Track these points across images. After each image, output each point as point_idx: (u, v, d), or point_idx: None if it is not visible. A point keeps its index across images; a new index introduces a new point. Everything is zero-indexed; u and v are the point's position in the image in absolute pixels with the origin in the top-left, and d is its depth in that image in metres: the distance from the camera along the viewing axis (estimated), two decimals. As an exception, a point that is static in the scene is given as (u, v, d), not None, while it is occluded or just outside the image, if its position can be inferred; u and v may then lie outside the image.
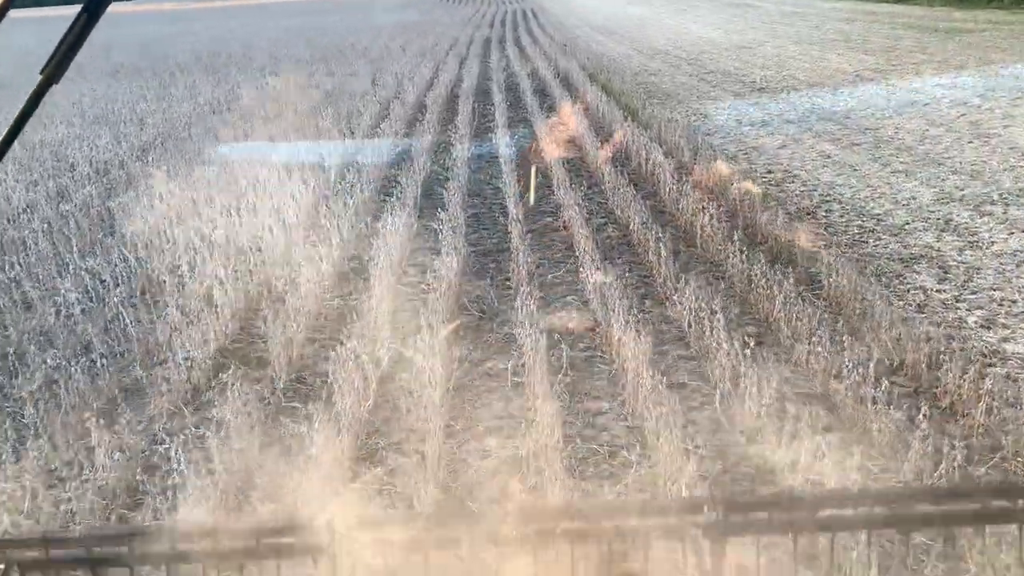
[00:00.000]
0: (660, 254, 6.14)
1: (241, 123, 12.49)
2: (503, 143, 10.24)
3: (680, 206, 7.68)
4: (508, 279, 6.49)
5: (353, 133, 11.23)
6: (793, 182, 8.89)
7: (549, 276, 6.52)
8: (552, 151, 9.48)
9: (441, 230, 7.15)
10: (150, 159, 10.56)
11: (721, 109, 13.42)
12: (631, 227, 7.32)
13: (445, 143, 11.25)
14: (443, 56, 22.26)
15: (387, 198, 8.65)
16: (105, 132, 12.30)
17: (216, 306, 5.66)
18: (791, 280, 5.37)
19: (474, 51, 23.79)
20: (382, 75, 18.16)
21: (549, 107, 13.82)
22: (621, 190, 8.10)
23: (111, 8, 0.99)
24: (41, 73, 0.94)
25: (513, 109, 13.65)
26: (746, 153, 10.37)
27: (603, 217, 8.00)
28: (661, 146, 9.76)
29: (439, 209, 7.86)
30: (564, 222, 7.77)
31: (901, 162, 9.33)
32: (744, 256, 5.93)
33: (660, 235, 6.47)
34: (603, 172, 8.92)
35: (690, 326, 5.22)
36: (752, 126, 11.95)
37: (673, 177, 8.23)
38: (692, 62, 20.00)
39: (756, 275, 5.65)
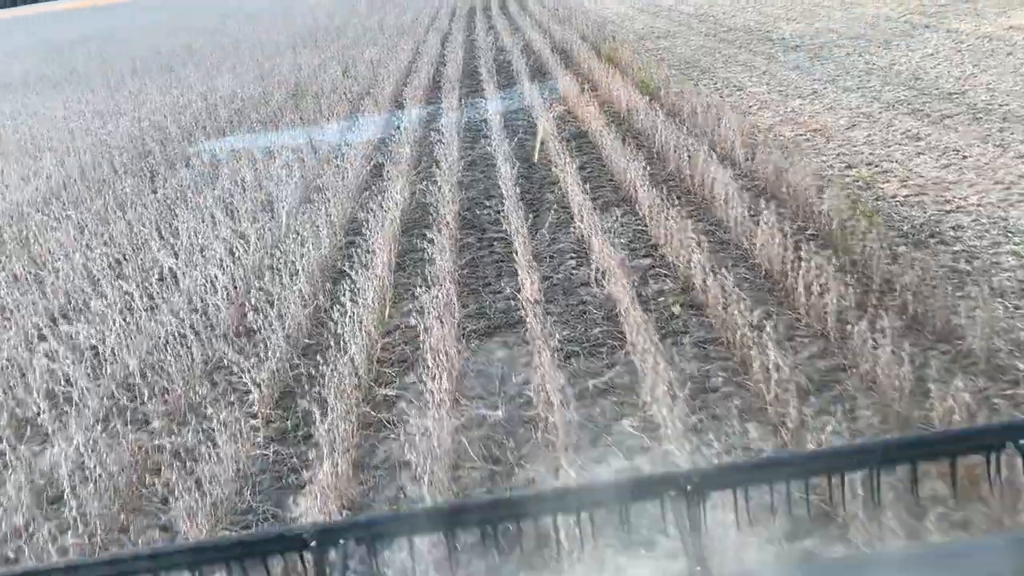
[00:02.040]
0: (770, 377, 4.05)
1: (177, 144, 10.35)
2: (500, 158, 8.09)
3: (792, 280, 5.46)
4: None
5: (315, 151, 9.08)
6: (888, 180, 6.75)
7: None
8: (567, 168, 7.32)
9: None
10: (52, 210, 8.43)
11: (757, 77, 11.20)
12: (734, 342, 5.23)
13: (426, 159, 9.11)
14: (423, 34, 19.92)
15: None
16: (10, 170, 10.14)
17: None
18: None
19: (457, 25, 21.43)
20: (355, 62, 15.91)
21: (550, 91, 11.62)
22: (686, 244, 5.89)
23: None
24: None
25: (508, 100, 11.44)
26: (808, 138, 8.21)
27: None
28: (701, 142, 7.60)
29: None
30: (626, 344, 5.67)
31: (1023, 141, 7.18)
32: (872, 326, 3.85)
33: (765, 324, 4.38)
34: (649, 207, 6.76)
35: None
36: (802, 99, 9.75)
37: (739, 198, 6.08)
38: (703, 18, 17.68)
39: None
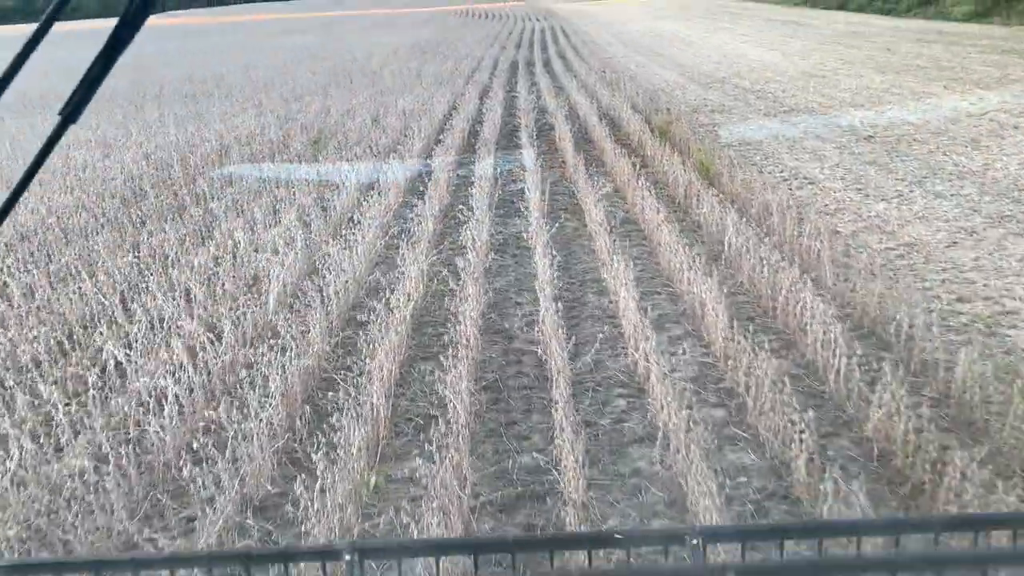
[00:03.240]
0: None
1: (177, 189, 9.24)
2: (538, 244, 6.84)
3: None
4: None
5: (325, 212, 7.88)
6: (1016, 326, 5.43)
7: None
8: (619, 272, 6.03)
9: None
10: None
11: (830, 169, 9.97)
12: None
13: (450, 237, 7.92)
14: (462, 86, 18.95)
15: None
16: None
17: None
18: None
19: (498, 80, 20.49)
20: (387, 111, 14.89)
21: (597, 164, 10.45)
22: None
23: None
24: (60, 114, 0.92)
25: (551, 179, 10.27)
26: (902, 254, 6.92)
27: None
28: (781, 252, 6.33)
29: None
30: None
31: None
32: None
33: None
34: (723, 339, 5.50)
35: None
36: (886, 202, 8.50)
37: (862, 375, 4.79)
38: (760, 95, 16.58)
39: None
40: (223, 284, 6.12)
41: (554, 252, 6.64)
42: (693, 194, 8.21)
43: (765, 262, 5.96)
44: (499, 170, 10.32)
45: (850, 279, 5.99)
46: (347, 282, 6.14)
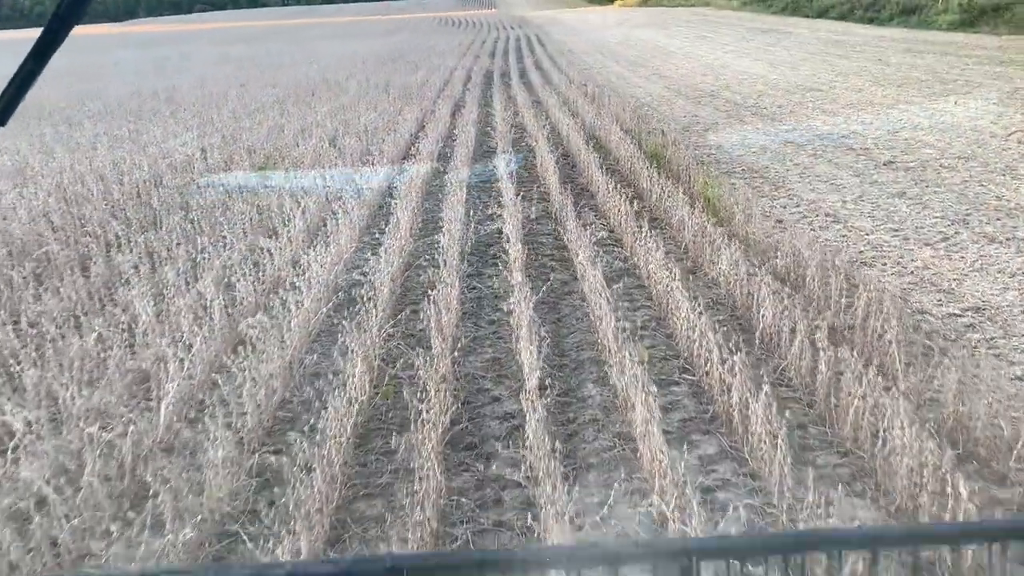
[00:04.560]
0: None
1: (90, 238, 7.71)
2: (522, 325, 5.38)
3: None
4: None
5: (258, 268, 6.38)
6: None
7: None
8: (628, 368, 4.59)
9: None
10: None
11: (853, 203, 8.64)
12: None
13: (409, 308, 6.49)
14: (432, 100, 17.49)
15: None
16: None
17: None
18: None
19: (471, 94, 19.04)
20: (348, 129, 13.40)
21: (587, 199, 9.05)
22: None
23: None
24: None
25: (533, 205, 8.85)
26: (971, 323, 5.57)
27: None
28: (855, 353, 4.95)
29: None
30: None
31: None
32: None
33: None
34: (779, 474, 4.10)
35: None
36: (931, 247, 7.17)
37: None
38: (755, 111, 15.31)
39: None
40: (107, 383, 4.61)
41: (541, 331, 5.19)
42: (705, 242, 6.81)
43: (823, 357, 4.54)
44: (471, 204, 8.88)
45: (928, 372, 4.62)
46: (269, 381, 4.65)
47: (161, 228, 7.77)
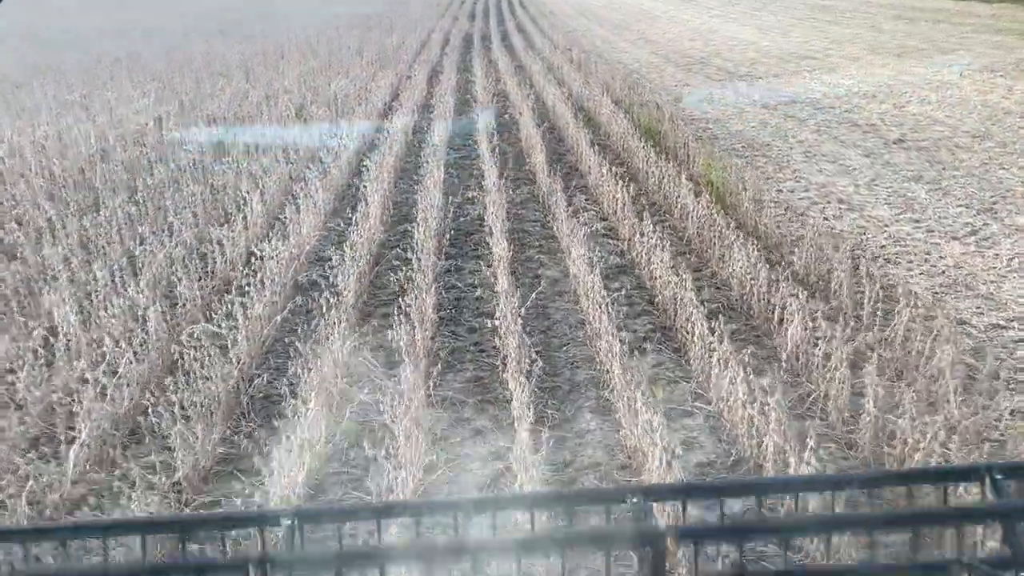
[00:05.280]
0: None
1: None
2: (506, 321, 4.62)
3: None
4: None
5: (205, 258, 5.55)
6: None
7: None
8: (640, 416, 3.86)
9: None
10: None
11: (866, 187, 7.92)
12: None
13: (376, 319, 5.72)
14: (407, 65, 16.51)
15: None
16: None
17: None
18: None
19: (450, 59, 18.06)
20: (317, 98, 12.45)
21: (578, 180, 8.27)
22: None
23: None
24: None
25: (517, 190, 8.06)
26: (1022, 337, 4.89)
27: None
28: (901, 379, 4.24)
29: None
30: None
31: None
32: None
33: None
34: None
35: None
36: (959, 242, 6.48)
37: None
38: (749, 80, 14.52)
39: None
40: (9, 422, 3.82)
41: (531, 349, 4.44)
42: (712, 235, 6.06)
43: (870, 396, 3.81)
44: (451, 185, 8.06)
45: (983, 402, 3.93)
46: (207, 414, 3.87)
47: (99, 213, 6.88)
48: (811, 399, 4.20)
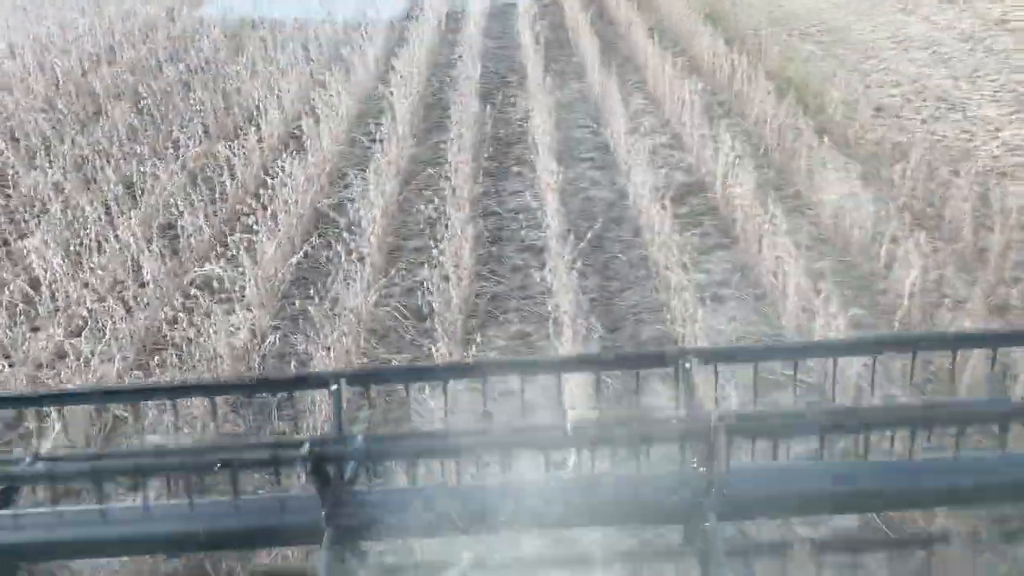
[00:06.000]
0: None
1: None
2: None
3: None
4: None
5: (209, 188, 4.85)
6: None
7: None
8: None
9: None
10: None
11: (969, 84, 6.83)
12: None
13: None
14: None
15: None
16: None
17: None
18: None
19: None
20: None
21: (639, 88, 7.29)
22: None
23: None
24: None
25: (562, 106, 7.14)
26: None
27: None
28: None
29: None
30: None
31: None
32: None
33: None
34: None
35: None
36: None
37: None
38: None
39: None
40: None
41: (587, 305, 3.72)
42: (797, 147, 5.17)
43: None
44: (489, 89, 7.16)
45: None
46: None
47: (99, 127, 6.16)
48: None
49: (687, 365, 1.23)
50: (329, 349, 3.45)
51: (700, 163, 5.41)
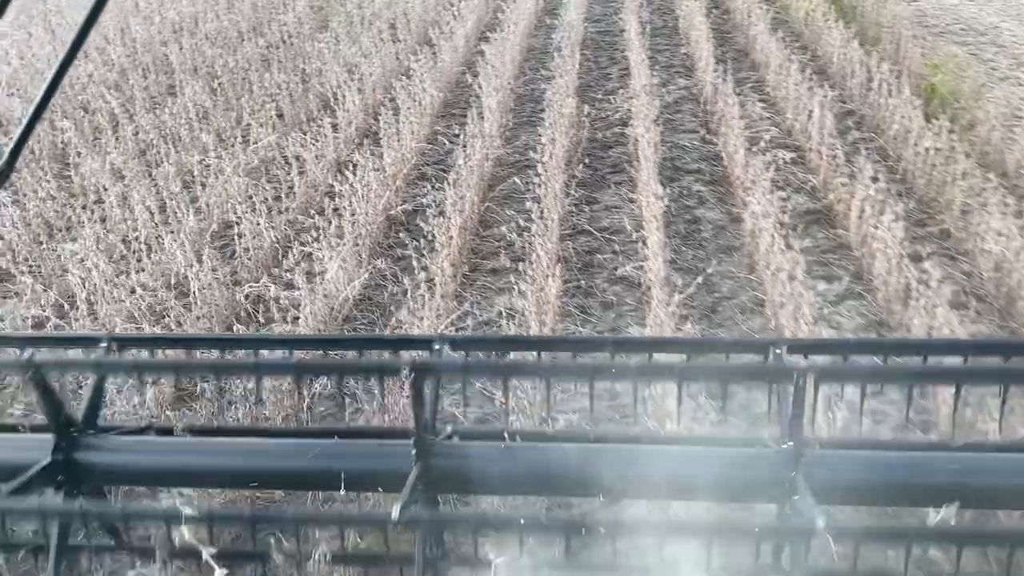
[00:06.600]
0: None
1: None
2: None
3: None
4: None
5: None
6: None
7: None
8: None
9: None
10: None
11: None
12: None
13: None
14: None
15: None
16: None
17: None
18: None
19: None
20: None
21: (755, 87, 6.53)
22: None
23: None
24: None
25: (668, 107, 6.43)
26: None
27: None
28: None
29: None
30: None
31: None
32: None
33: None
34: None
35: None
36: None
37: None
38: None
39: None
40: None
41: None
42: (948, 177, 4.38)
43: None
44: (588, 85, 6.50)
45: None
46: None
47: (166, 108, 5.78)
48: None
49: (777, 351, 1.21)
50: (384, 397, 2.93)
51: (827, 187, 4.68)
